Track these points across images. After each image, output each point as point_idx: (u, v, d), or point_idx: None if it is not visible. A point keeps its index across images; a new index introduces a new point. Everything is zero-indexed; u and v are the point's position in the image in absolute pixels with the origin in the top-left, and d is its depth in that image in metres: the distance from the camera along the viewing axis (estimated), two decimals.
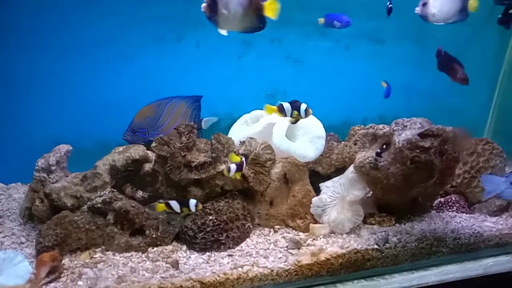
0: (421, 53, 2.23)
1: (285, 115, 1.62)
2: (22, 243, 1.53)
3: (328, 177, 1.83)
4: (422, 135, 1.49)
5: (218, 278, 1.45)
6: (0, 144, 1.83)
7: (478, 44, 2.26)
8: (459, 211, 1.83)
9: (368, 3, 2.04)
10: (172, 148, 1.57)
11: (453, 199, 1.84)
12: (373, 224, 1.74)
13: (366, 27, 2.13)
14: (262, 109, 1.96)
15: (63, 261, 1.43)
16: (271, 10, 1.39)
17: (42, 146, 1.77)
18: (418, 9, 1.65)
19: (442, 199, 1.86)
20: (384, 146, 1.52)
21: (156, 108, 1.85)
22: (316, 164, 1.82)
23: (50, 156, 1.59)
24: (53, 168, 1.58)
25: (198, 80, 2.06)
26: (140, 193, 1.79)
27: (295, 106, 1.59)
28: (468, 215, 1.84)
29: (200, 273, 1.46)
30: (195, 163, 1.56)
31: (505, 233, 1.77)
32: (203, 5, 1.33)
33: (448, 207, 1.83)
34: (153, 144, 1.57)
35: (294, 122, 1.67)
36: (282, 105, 1.61)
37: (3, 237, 1.56)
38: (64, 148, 1.64)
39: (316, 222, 1.72)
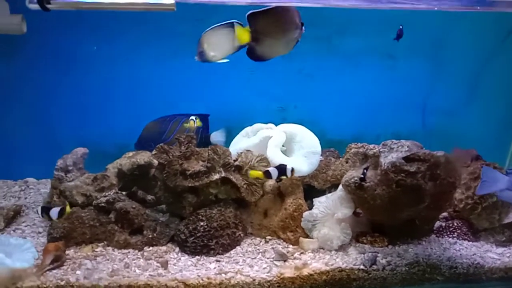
0: (436, 69, 2.15)
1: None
2: (40, 232, 1.74)
3: (324, 192, 1.86)
4: (408, 159, 1.47)
5: (201, 282, 1.55)
6: (34, 144, 2.09)
7: (500, 62, 2.14)
8: (460, 238, 1.75)
9: (378, 19, 2.03)
10: (171, 157, 1.70)
11: (455, 224, 1.76)
12: (365, 244, 1.73)
13: (376, 43, 2.12)
14: (273, 122, 2.04)
15: (68, 252, 1.62)
16: None
17: (70, 147, 2.00)
18: (197, 58, 1.67)
19: (444, 223, 1.80)
20: (365, 171, 1.51)
21: (160, 125, 2.00)
22: (312, 178, 1.84)
23: (68, 158, 1.80)
24: (70, 168, 1.79)
25: (213, 93, 2.19)
26: (150, 196, 1.95)
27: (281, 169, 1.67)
28: (470, 243, 1.75)
29: (186, 275, 1.57)
30: (190, 171, 1.68)
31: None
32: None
33: (448, 233, 1.75)
34: (154, 152, 1.71)
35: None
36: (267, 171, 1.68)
37: (25, 226, 1.79)
38: (81, 150, 1.84)
39: (306, 236, 1.75)
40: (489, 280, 1.67)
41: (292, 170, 1.66)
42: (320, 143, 2.13)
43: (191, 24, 1.86)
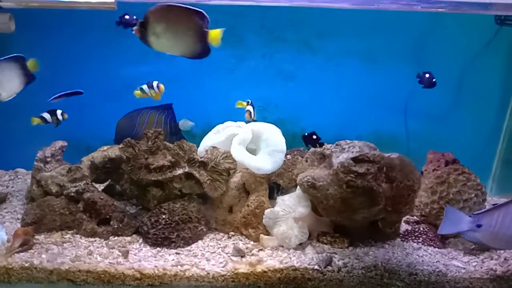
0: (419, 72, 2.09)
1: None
2: (18, 219, 1.85)
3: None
4: (357, 160, 1.44)
5: (157, 272, 1.60)
6: (26, 137, 2.16)
7: (485, 66, 2.05)
8: (425, 243, 1.70)
9: (359, 21, 2.01)
10: (137, 151, 1.77)
11: (421, 229, 1.71)
12: (325, 244, 1.71)
13: (357, 45, 2.10)
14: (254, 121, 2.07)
15: (38, 237, 1.72)
16: (215, 39, 1.47)
17: (59, 140, 2.12)
18: None
19: (410, 228, 1.75)
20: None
21: (129, 120, 2.06)
22: (278, 177, 1.85)
23: (47, 150, 1.91)
24: (48, 159, 1.89)
25: (194, 91, 2.24)
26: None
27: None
28: (436, 249, 1.70)
29: (144, 265, 1.63)
30: (154, 165, 1.74)
31: (477, 278, 1.59)
32: (134, 28, 1.45)
33: (414, 237, 1.70)
34: (120, 146, 1.78)
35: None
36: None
37: (6, 212, 1.91)
38: (59, 143, 1.94)
39: (268, 233, 1.76)
40: None
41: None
42: (301, 143, 2.15)
43: None
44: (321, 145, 1.83)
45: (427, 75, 1.93)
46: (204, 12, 1.49)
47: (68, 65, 2.21)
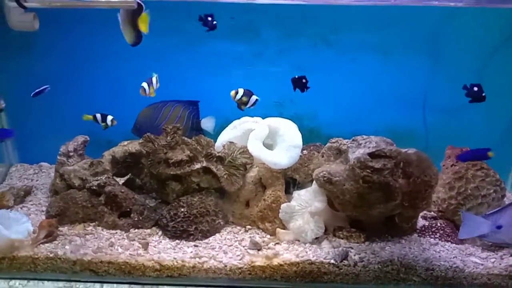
0: (436, 67, 2.06)
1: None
2: (43, 211, 1.91)
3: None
4: (373, 155, 1.44)
5: (175, 264, 1.64)
6: (50, 133, 2.24)
7: (506, 60, 2.00)
8: (442, 239, 1.69)
9: (375, 15, 1.99)
10: (156, 145, 1.81)
11: (438, 224, 1.70)
12: (341, 238, 1.73)
13: (373, 39, 2.08)
14: (268, 116, 2.09)
15: (62, 229, 1.78)
16: (142, 24, 1.52)
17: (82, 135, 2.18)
18: None
19: (427, 223, 1.74)
20: None
21: (153, 111, 2.09)
22: (294, 172, 1.87)
23: (70, 144, 1.97)
24: (71, 154, 1.95)
25: (211, 87, 2.26)
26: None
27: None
28: (453, 245, 1.69)
29: (163, 257, 1.67)
30: (173, 160, 1.77)
31: (495, 274, 1.58)
32: None
33: (431, 233, 1.69)
34: (140, 141, 1.82)
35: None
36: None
37: (32, 204, 1.98)
38: (81, 138, 2.00)
39: (284, 227, 1.78)
40: (470, 286, 1.60)
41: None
42: (318, 139, 2.15)
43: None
44: (306, 88, 1.79)
45: (475, 88, 1.70)
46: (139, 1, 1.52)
47: (88, 61, 2.27)
